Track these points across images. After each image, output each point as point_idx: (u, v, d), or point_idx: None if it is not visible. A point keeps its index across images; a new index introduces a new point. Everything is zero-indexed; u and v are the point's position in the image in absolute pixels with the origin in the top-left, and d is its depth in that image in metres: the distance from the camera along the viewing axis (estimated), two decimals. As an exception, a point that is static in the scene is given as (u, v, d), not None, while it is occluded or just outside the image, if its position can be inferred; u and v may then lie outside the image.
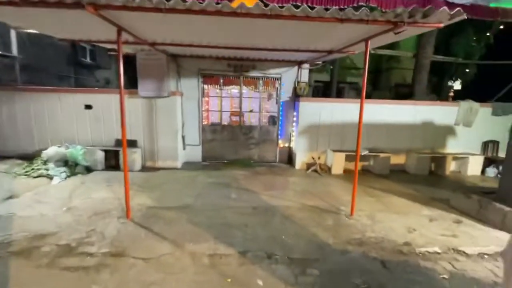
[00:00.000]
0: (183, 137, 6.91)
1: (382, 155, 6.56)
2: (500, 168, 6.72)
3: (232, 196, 4.66)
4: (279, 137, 7.33)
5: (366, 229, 3.57)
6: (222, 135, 7.22)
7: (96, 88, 6.99)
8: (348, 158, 6.61)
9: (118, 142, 6.27)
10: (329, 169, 6.54)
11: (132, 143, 6.35)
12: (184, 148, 7.01)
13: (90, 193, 4.58)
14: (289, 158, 7.39)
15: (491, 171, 6.76)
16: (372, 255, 2.96)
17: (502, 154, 7.24)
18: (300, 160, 6.85)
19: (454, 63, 7.92)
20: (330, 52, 5.17)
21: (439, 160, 6.77)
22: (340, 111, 6.71)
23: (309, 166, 6.74)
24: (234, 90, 8.00)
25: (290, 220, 3.77)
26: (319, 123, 6.72)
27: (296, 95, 7.02)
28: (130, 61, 6.15)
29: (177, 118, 6.39)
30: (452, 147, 7.13)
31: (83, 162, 5.81)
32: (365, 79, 3.82)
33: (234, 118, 10.00)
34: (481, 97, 7.15)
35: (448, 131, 7.09)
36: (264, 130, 7.33)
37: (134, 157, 6.08)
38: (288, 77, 7.08)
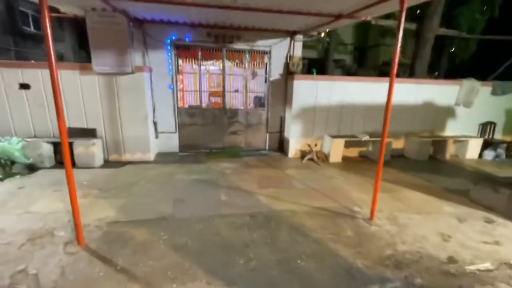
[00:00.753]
0: (154, 123, 5.71)
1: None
2: (498, 151, 6.49)
3: (223, 199, 3.74)
4: (269, 121, 6.40)
5: (395, 240, 2.88)
6: (202, 120, 6.12)
7: (33, 62, 5.41)
8: (346, 145, 5.92)
9: (73, 132, 4.94)
10: (326, 157, 5.82)
11: (89, 133, 5.05)
12: (156, 137, 5.85)
13: (29, 204, 3.39)
14: (280, 145, 6.55)
15: (489, 154, 6.49)
16: (418, 281, 2.27)
17: (498, 136, 7.02)
18: (294, 147, 6.03)
19: (456, 37, 7.37)
20: (338, 17, 4.21)
21: (439, 144, 6.33)
22: (340, 91, 5.89)
23: (303, 154, 5.97)
24: (213, 67, 6.81)
25: (301, 233, 2.97)
26: (315, 105, 5.87)
27: (289, 72, 6.05)
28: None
29: (146, 100, 5.16)
30: (450, 129, 6.72)
31: (22, 159, 4.47)
32: (397, 48, 2.93)
33: (214, 100, 8.90)
34: (475, 76, 6.71)
35: (448, 112, 6.63)
36: (251, 114, 6.34)
37: (93, 150, 4.84)
38: (279, 50, 6.04)
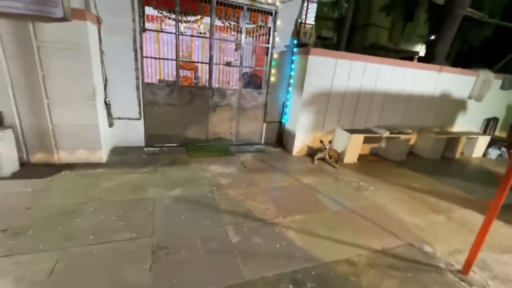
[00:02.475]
0: (107, 105, 3.82)
1: (403, 136, 5.02)
2: (503, 149, 6.15)
3: (233, 241, 2.32)
4: (267, 108, 4.95)
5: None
6: (178, 101, 4.37)
7: None
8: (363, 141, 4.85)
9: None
10: (339, 156, 4.68)
11: (-11, 118, 3.01)
12: (110, 125, 3.98)
13: None
14: (279, 139, 5.20)
15: (494, 153, 6.12)
16: None
17: (498, 132, 6.72)
18: (300, 143, 4.75)
19: (474, 20, 6.61)
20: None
21: (450, 141, 5.69)
22: (359, 73, 4.67)
23: (311, 152, 4.75)
24: (184, 28, 4.95)
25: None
26: (330, 90, 4.58)
27: (299, 45, 4.57)
28: None
29: (91, 67, 3.24)
30: (458, 124, 6.14)
31: None
32: None
33: (184, 73, 7.03)
34: (479, 66, 6.13)
35: (460, 105, 5.98)
36: (245, 97, 4.79)
37: (-4, 149, 2.87)
38: (288, 13, 4.48)
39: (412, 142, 5.62)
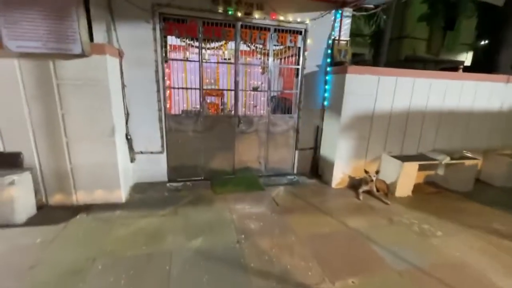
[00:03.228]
0: (128, 140, 3.60)
1: (468, 162, 4.13)
2: None
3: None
4: (299, 134, 4.43)
5: None
6: (202, 131, 4.05)
7: None
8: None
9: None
10: (388, 188, 3.92)
11: (8, 160, 2.89)
12: (132, 160, 3.74)
13: None
14: (313, 167, 4.59)
15: None
16: None
17: None
18: (340, 173, 4.10)
19: None
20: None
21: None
22: (407, 91, 4.00)
23: (354, 183, 4.07)
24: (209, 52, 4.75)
25: None
26: (373, 111, 3.95)
27: (335, 63, 4.09)
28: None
29: (112, 102, 3.03)
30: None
31: None
32: None
33: (211, 100, 6.86)
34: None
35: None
36: (274, 123, 4.33)
37: (11, 194, 2.68)
38: (318, 30, 4.07)
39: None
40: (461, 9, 8.67)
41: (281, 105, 4.70)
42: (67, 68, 2.78)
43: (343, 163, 4.07)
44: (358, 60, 10.55)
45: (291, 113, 4.46)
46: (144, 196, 3.56)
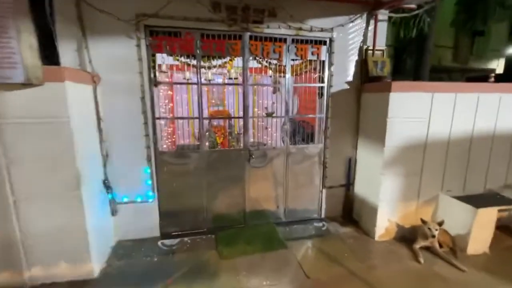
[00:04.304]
0: (107, 188, 2.76)
1: (561, 203, 3.05)
2: None
3: None
4: (326, 168, 3.48)
5: None
6: (204, 170, 3.16)
7: None
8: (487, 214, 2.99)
9: None
10: (454, 243, 2.86)
11: None
12: (113, 213, 2.87)
13: None
14: (346, 209, 3.61)
15: None
16: None
17: None
18: (385, 220, 3.09)
19: None
20: None
21: None
22: (469, 110, 3.04)
23: (403, 234, 3.06)
24: (213, 75, 3.97)
25: None
26: (426, 139, 2.99)
27: (369, 79, 3.20)
28: None
29: (76, 144, 2.20)
30: None
31: None
32: None
33: (217, 123, 6.12)
34: None
35: None
36: (293, 155, 3.41)
37: None
38: (347, 38, 3.23)
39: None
40: (491, 13, 7.77)
41: (300, 131, 3.80)
42: (8, 103, 2.00)
43: (388, 207, 3.07)
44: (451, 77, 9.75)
45: (313, 142, 3.56)
46: (126, 263, 2.65)
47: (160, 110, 2.98)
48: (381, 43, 3.28)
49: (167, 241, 3.02)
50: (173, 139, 6.13)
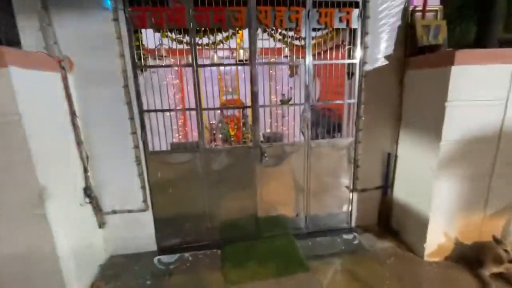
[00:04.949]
0: (90, 197, 2.29)
1: None
2: None
3: None
4: (357, 166, 2.78)
5: None
6: (205, 173, 2.61)
7: None
8: None
9: None
10: (537, 265, 2.11)
11: None
12: (101, 226, 2.43)
13: None
14: (383, 217, 2.91)
15: None
16: None
17: None
18: (439, 234, 2.37)
19: None
20: None
21: None
22: None
23: (463, 253, 2.33)
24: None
25: None
26: (500, 131, 2.19)
27: (419, 49, 2.41)
28: None
29: (33, 148, 1.71)
30: None
31: None
32: None
33: (230, 112, 5.63)
34: None
35: None
36: (316, 151, 2.74)
37: None
38: (383, 2, 2.43)
39: None
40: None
41: (323, 121, 3.09)
42: None
43: (443, 219, 2.35)
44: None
45: (342, 134, 2.87)
46: (116, 286, 2.21)
47: (166, 100, 2.42)
48: (434, 0, 2.45)
49: (165, 258, 2.54)
50: (185, 132, 5.70)
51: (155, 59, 3.01)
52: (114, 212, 2.48)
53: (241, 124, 5.45)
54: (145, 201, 2.52)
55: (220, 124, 5.65)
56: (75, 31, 2.10)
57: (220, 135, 5.45)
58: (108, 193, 2.43)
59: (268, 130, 3.17)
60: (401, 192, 2.75)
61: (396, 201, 2.81)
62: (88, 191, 2.27)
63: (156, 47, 2.49)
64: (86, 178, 2.29)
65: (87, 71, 2.18)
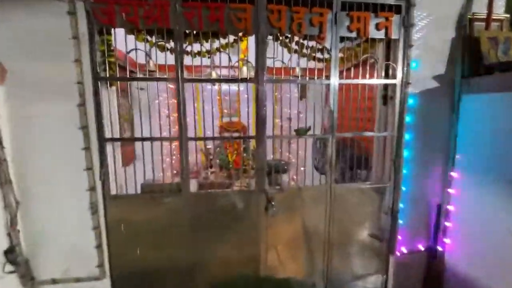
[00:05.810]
0: (13, 262, 1.55)
1: None
2: None
3: None
4: (397, 220, 2.06)
5: None
6: (192, 228, 1.88)
7: None
8: None
9: None
10: None
11: None
12: (30, 304, 1.65)
13: None
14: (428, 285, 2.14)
15: None
16: None
17: None
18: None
19: None
20: None
21: None
22: None
23: None
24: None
25: None
26: None
27: (484, 69, 1.80)
28: None
29: None
30: None
31: None
32: None
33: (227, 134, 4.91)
34: None
35: None
36: (340, 199, 2.03)
37: None
38: (434, 2, 1.87)
39: None
40: None
41: (347, 154, 2.41)
42: None
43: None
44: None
45: (370, 175, 2.18)
46: None
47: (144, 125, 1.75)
48: (500, 7, 1.89)
49: None
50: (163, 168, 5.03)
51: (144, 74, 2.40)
52: (54, 281, 1.72)
53: (242, 149, 4.80)
54: (101, 265, 1.76)
55: (218, 149, 5.02)
56: (13, 26, 1.50)
57: (218, 161, 4.79)
58: (47, 254, 1.69)
59: (271, 156, 2.51)
60: (458, 257, 2.00)
61: (451, 268, 2.05)
62: (10, 255, 1.54)
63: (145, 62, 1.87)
64: (12, 235, 1.56)
65: (28, 82, 1.55)
